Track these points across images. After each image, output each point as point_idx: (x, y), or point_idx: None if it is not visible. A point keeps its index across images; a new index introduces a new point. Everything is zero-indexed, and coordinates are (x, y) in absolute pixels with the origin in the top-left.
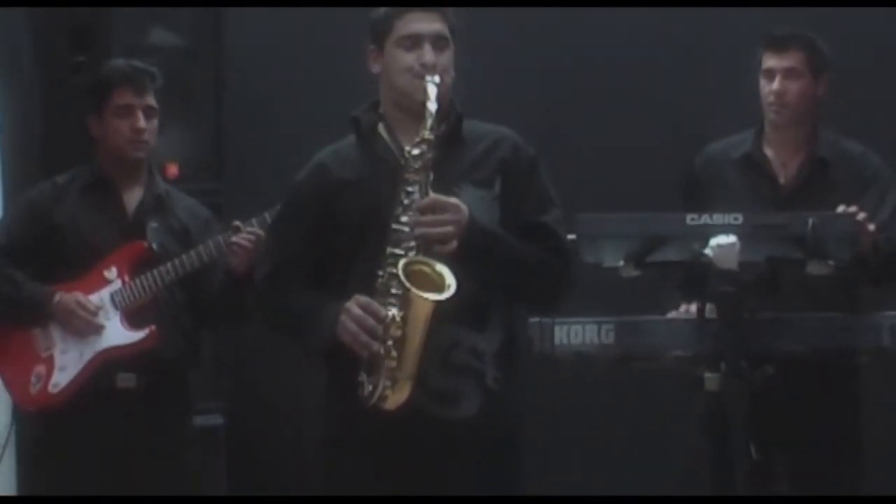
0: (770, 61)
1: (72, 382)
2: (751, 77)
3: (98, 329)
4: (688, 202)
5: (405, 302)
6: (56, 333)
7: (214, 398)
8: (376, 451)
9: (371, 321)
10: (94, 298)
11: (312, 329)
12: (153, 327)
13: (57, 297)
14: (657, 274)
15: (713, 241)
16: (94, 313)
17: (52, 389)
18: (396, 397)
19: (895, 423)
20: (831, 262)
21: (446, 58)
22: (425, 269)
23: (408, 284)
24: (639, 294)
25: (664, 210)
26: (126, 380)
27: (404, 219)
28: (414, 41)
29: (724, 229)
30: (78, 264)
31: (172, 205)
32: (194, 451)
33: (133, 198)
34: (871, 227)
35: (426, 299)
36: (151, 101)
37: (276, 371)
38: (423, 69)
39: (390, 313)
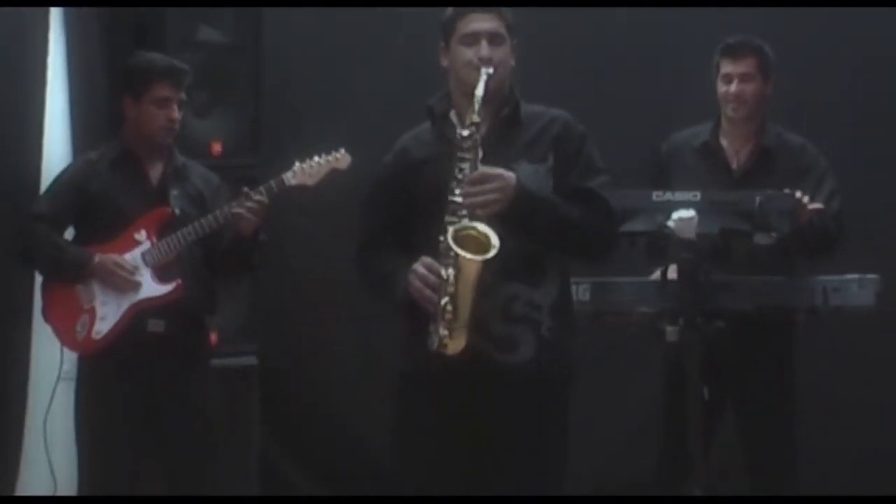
0: (727, 67)
1: (112, 330)
2: (710, 76)
3: (135, 286)
4: (654, 181)
5: (457, 262)
6: (96, 288)
7: (248, 341)
8: (445, 389)
9: (433, 278)
10: (128, 258)
11: (393, 288)
12: (179, 281)
13: (97, 258)
14: (627, 242)
15: (675, 215)
16: (132, 272)
17: (95, 336)
18: (455, 344)
19: (826, 370)
20: (774, 234)
21: (502, 52)
22: (472, 232)
23: (454, 247)
24: (611, 259)
25: (633, 188)
26: (156, 325)
27: (458, 191)
28: (473, 38)
29: (685, 205)
30: (111, 228)
31: (189, 174)
32: (211, 386)
33: (156, 169)
34: (819, 205)
35: (471, 260)
36: (184, 95)
37: (306, 316)
38: (480, 62)
39: (445, 273)
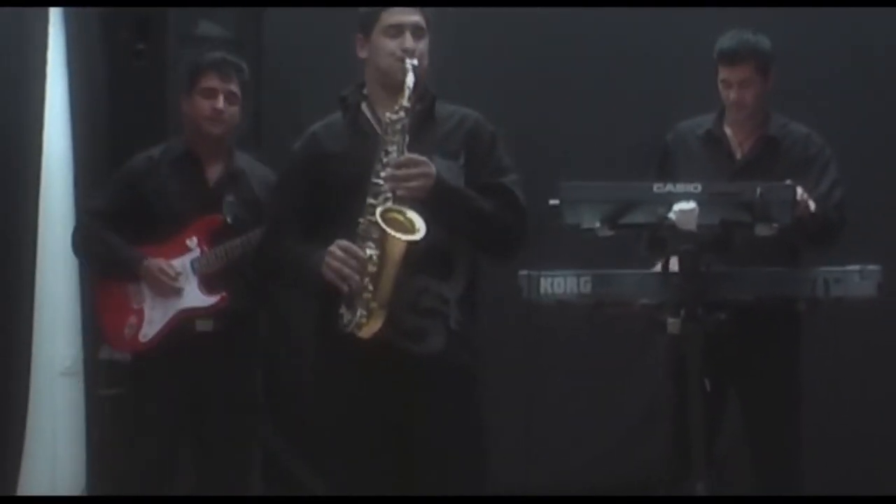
0: (724, 73)
1: (157, 334)
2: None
3: (178, 291)
4: (660, 169)
5: (381, 243)
6: (147, 290)
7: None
8: (357, 378)
9: (351, 260)
10: (177, 264)
11: (303, 273)
12: (224, 294)
13: (145, 261)
14: (628, 234)
15: (676, 206)
16: (175, 279)
17: (142, 338)
18: (371, 326)
19: (828, 361)
20: (775, 225)
21: (423, 45)
22: (399, 216)
23: (384, 226)
24: (612, 251)
25: (635, 179)
26: (204, 325)
27: (383, 174)
28: (397, 30)
29: (685, 196)
30: (163, 230)
31: (249, 179)
32: (257, 385)
33: (214, 172)
34: (812, 204)
35: (399, 239)
36: (235, 88)
37: (304, 309)
38: (404, 53)
39: (368, 252)
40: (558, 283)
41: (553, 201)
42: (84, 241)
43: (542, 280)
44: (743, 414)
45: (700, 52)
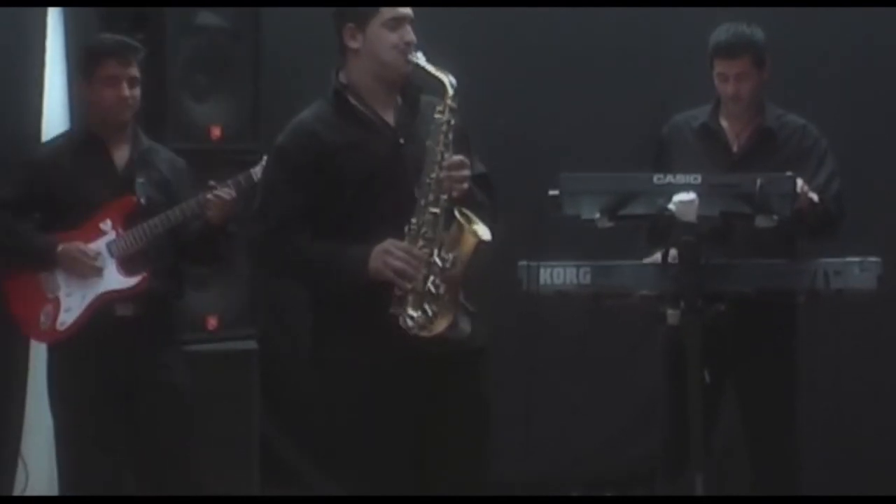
0: (721, 67)
1: (76, 321)
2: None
3: (98, 272)
4: (657, 162)
5: (452, 242)
6: (60, 278)
7: (248, 326)
8: (396, 372)
9: (414, 261)
10: (93, 247)
11: (338, 271)
12: (145, 274)
13: (60, 246)
14: (628, 225)
15: (675, 198)
16: (95, 259)
17: (59, 327)
18: (441, 324)
19: (828, 353)
20: (775, 217)
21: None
22: (464, 220)
23: (472, 228)
24: (612, 242)
25: (634, 171)
26: (124, 308)
27: (433, 175)
28: (398, 22)
29: (685, 188)
30: (75, 216)
31: (155, 159)
32: (184, 367)
33: (121, 155)
34: (813, 196)
35: (478, 235)
36: (135, 71)
37: (304, 300)
38: (406, 46)
39: (441, 254)
40: (558, 274)
41: (553, 192)
42: None
43: (542, 271)
44: (741, 405)
45: (697, 46)
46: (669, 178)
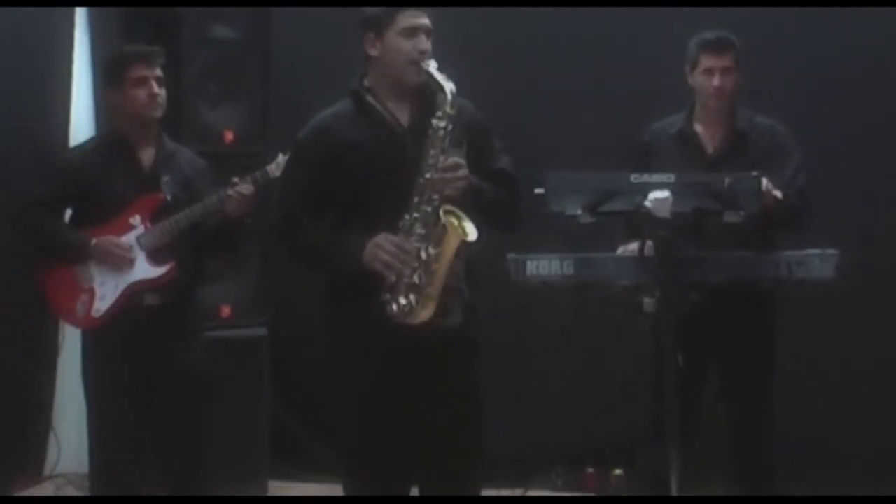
0: (709, 62)
1: (110, 308)
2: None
3: (131, 263)
4: (638, 166)
5: (437, 238)
6: (94, 270)
7: (258, 313)
8: (391, 351)
9: (402, 253)
10: (124, 240)
11: (336, 258)
12: (172, 264)
13: (94, 240)
14: (608, 221)
15: (651, 195)
16: (129, 251)
17: (94, 314)
18: (422, 314)
19: (794, 338)
20: (742, 213)
21: (430, 46)
22: (453, 218)
23: (452, 223)
24: (593, 236)
25: (614, 170)
26: (152, 298)
27: (428, 175)
28: (413, 32)
29: (660, 186)
30: (105, 212)
31: (179, 159)
32: (203, 354)
33: (147, 155)
34: (778, 194)
35: (458, 237)
36: (160, 73)
37: (311, 289)
38: (420, 55)
39: (428, 249)
40: (543, 266)
41: (539, 190)
42: (30, 231)
43: (529, 263)
44: (722, 389)
45: (675, 55)
46: (645, 177)
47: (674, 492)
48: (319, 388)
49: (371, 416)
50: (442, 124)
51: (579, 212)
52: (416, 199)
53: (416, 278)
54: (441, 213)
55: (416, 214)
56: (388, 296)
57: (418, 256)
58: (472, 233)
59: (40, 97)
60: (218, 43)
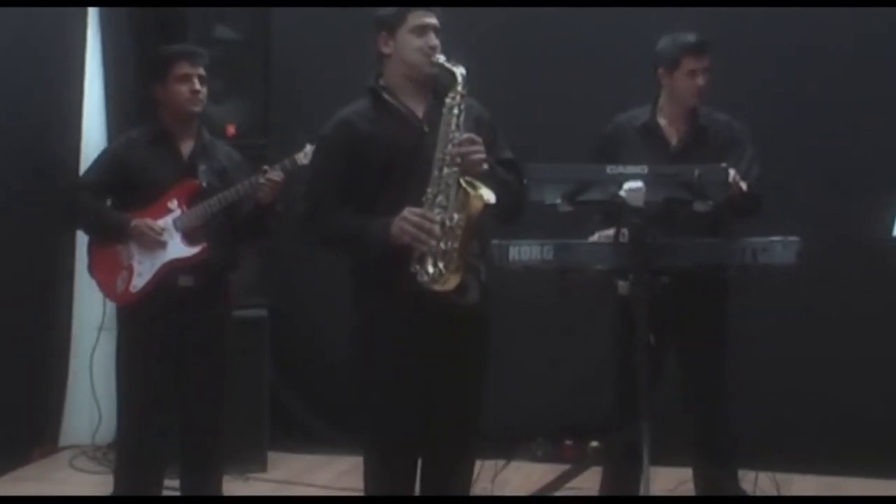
0: (692, 64)
1: (146, 285)
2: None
3: (163, 245)
4: (602, 156)
5: (459, 205)
6: (134, 249)
7: (260, 296)
8: (413, 323)
9: (428, 224)
10: (161, 223)
11: (365, 239)
12: (205, 244)
13: (133, 222)
14: (585, 209)
15: (626, 185)
16: (160, 234)
17: (132, 290)
18: (453, 278)
19: (754, 319)
20: (710, 202)
21: (439, 42)
22: (469, 186)
23: (472, 189)
24: (571, 224)
25: (590, 162)
26: (186, 280)
27: (448, 149)
28: (423, 30)
29: (634, 177)
30: (147, 197)
31: (216, 151)
32: (230, 334)
33: (186, 146)
34: (744, 185)
35: (481, 200)
36: (202, 71)
37: (308, 274)
38: (431, 50)
39: (452, 216)
40: (525, 251)
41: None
42: (78, 212)
43: (511, 248)
44: (679, 363)
45: (638, 53)
46: (620, 169)
47: (645, 461)
48: (316, 365)
49: (394, 380)
50: (455, 102)
51: (559, 201)
52: (436, 174)
53: (442, 245)
54: (462, 181)
55: (437, 187)
56: (417, 267)
57: (443, 225)
58: (490, 197)
59: (55, 95)
60: (221, 43)
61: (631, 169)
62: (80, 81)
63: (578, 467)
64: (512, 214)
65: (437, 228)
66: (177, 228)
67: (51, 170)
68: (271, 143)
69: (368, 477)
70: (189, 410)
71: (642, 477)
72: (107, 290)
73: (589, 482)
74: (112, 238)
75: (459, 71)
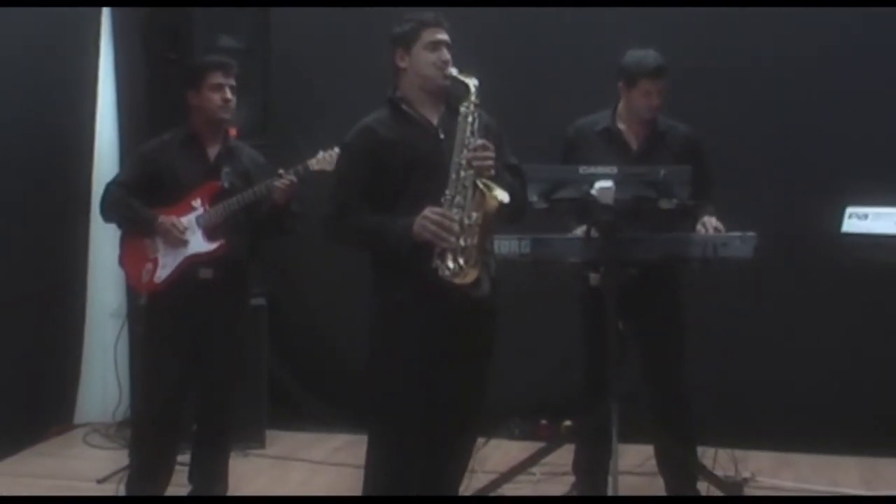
0: (649, 86)
1: (169, 276)
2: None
3: (184, 243)
4: (565, 159)
5: (476, 205)
6: (159, 243)
7: (260, 286)
8: (434, 315)
9: (448, 222)
10: (184, 220)
11: (388, 237)
12: (223, 241)
13: (160, 219)
14: (559, 207)
15: (597, 185)
16: (183, 232)
17: (156, 280)
18: (472, 272)
19: (715, 308)
20: (675, 200)
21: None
22: (485, 188)
23: (488, 192)
24: (547, 220)
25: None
26: (206, 272)
27: (464, 154)
28: (436, 46)
29: (605, 177)
30: (175, 195)
31: (240, 154)
32: (245, 322)
33: (213, 150)
34: (720, 225)
35: (496, 200)
36: (233, 82)
37: (306, 266)
38: (444, 64)
39: (470, 215)
40: (504, 245)
41: None
42: (111, 206)
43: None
44: (643, 348)
45: (599, 59)
46: (592, 169)
47: (614, 439)
48: (312, 351)
49: (415, 363)
50: (470, 111)
51: (535, 199)
52: (453, 177)
53: (462, 242)
54: (478, 183)
55: (455, 189)
56: (438, 262)
57: (462, 223)
58: (505, 197)
59: (69, 95)
60: (225, 51)
61: (601, 169)
62: (93, 87)
63: (552, 445)
64: (516, 214)
65: (456, 226)
66: (199, 225)
67: (65, 172)
68: (269, 143)
69: (376, 452)
70: (206, 390)
71: (612, 453)
72: (133, 279)
73: (563, 458)
74: (141, 232)
75: (472, 82)
